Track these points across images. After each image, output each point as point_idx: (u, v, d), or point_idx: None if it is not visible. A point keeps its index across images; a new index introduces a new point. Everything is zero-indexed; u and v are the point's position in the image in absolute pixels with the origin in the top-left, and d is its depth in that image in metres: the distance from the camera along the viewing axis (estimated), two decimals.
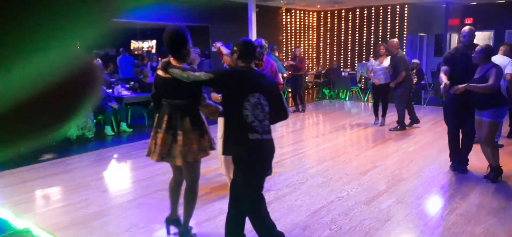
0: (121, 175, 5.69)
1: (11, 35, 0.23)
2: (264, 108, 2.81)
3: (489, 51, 4.52)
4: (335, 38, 15.42)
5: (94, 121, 7.42)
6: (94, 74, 0.32)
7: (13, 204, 4.35)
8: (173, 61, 3.05)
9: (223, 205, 4.14)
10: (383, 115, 8.12)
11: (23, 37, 0.23)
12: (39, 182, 5.13)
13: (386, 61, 7.70)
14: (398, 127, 7.71)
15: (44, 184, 5.06)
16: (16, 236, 3.80)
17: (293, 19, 14.93)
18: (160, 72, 3.09)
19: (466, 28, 4.93)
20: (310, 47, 15.83)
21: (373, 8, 14.31)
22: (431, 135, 7.34)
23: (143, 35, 15.07)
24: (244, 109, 2.74)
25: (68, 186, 4.93)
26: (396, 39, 7.88)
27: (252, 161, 2.87)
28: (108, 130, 7.69)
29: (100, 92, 0.33)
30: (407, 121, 7.90)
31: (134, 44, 14.95)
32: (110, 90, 8.21)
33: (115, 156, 6.51)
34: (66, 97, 0.29)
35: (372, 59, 8.10)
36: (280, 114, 3.03)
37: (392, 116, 8.28)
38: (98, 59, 11.04)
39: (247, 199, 2.98)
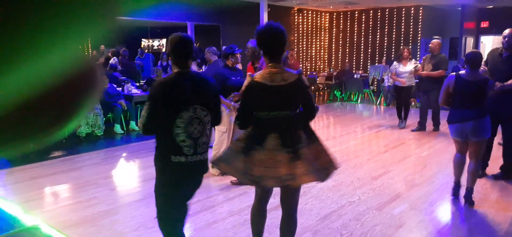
0: (130, 173, 5.68)
1: (13, 36, 0.23)
2: (202, 120, 2.45)
3: (468, 58, 4.09)
4: (348, 39, 15.29)
5: (104, 119, 7.43)
6: (94, 76, 0.32)
7: (23, 200, 4.36)
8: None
9: (232, 207, 4.09)
10: (405, 118, 8.17)
11: (26, 38, 0.23)
12: (48, 179, 5.13)
13: (410, 65, 7.79)
14: (435, 127, 7.85)
15: (53, 181, 5.07)
16: (25, 233, 3.81)
17: (305, 20, 14.84)
18: (260, 78, 2.59)
19: (507, 30, 4.88)
20: (322, 48, 15.72)
21: (387, 10, 14.15)
22: (445, 140, 7.20)
23: (154, 34, 15.13)
24: (175, 127, 2.38)
25: (77, 184, 4.92)
26: (438, 40, 7.89)
27: (171, 185, 2.57)
28: (117, 128, 7.69)
29: (100, 94, 0.34)
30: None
31: (145, 42, 15.02)
32: (120, 89, 8.22)
33: (124, 154, 6.50)
34: (67, 98, 0.30)
35: (395, 63, 8.10)
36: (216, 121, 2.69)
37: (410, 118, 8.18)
38: (114, 57, 11.10)
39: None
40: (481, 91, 3.97)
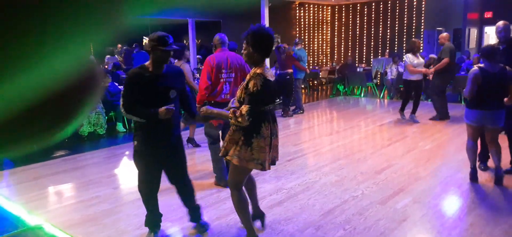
0: (132, 172, 5.65)
1: (20, 41, 0.24)
2: None
3: (484, 52, 4.38)
4: (350, 33, 15.21)
5: (106, 117, 7.43)
6: (96, 80, 0.33)
7: (26, 200, 4.37)
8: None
9: None
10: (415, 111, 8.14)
11: (32, 43, 0.24)
12: (51, 178, 5.14)
13: (420, 58, 7.97)
14: (437, 116, 8.13)
15: (56, 180, 5.08)
16: (28, 232, 3.83)
17: (306, 14, 14.77)
18: (267, 75, 2.92)
19: (500, 22, 5.00)
20: (324, 42, 15.65)
21: (389, 2, 14.06)
22: (449, 133, 7.16)
23: (155, 31, 15.08)
24: None
25: (80, 183, 4.93)
26: (445, 33, 8.07)
27: None
28: (120, 127, 7.70)
29: (100, 95, 0.35)
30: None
31: (146, 40, 15.01)
32: (122, 87, 8.21)
33: (127, 152, 6.50)
34: (69, 100, 0.31)
35: (411, 56, 7.87)
36: None
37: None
38: (135, 50, 11.16)
39: None
40: (502, 81, 4.25)
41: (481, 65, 4.36)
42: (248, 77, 2.90)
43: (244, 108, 2.79)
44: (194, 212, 3.50)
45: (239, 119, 2.79)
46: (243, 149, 2.89)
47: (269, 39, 2.92)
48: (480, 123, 4.38)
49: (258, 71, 2.86)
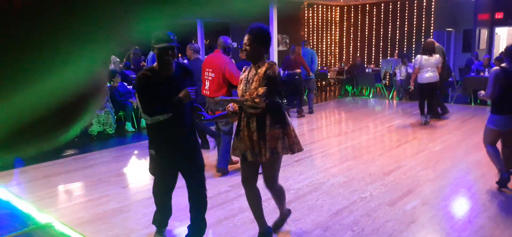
0: (141, 171, 5.70)
1: (31, 56, 0.25)
2: None
3: (509, 51, 4.18)
4: (359, 33, 15.12)
5: (115, 117, 7.48)
6: (99, 88, 0.35)
7: (36, 199, 4.42)
8: None
9: (242, 204, 4.09)
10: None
11: (44, 57, 0.26)
12: (61, 177, 5.20)
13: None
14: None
15: (66, 179, 5.13)
16: (39, 230, 3.87)
17: (315, 14, 14.72)
18: None
19: None
20: (333, 42, 15.59)
21: (398, 3, 13.96)
22: (458, 134, 7.09)
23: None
24: None
25: (89, 182, 4.97)
26: (429, 39, 8.17)
27: None
28: (129, 126, 7.74)
29: (101, 103, 0.37)
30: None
31: None
32: (131, 87, 8.26)
33: (136, 152, 6.54)
34: (74, 106, 0.33)
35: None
36: None
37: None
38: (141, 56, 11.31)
39: None
40: None
41: (503, 65, 4.17)
42: (263, 69, 2.95)
43: (261, 89, 2.88)
44: (196, 226, 3.25)
45: (257, 100, 2.87)
46: (285, 140, 2.99)
47: (270, 35, 3.13)
48: (508, 126, 4.12)
49: (272, 63, 3.01)
